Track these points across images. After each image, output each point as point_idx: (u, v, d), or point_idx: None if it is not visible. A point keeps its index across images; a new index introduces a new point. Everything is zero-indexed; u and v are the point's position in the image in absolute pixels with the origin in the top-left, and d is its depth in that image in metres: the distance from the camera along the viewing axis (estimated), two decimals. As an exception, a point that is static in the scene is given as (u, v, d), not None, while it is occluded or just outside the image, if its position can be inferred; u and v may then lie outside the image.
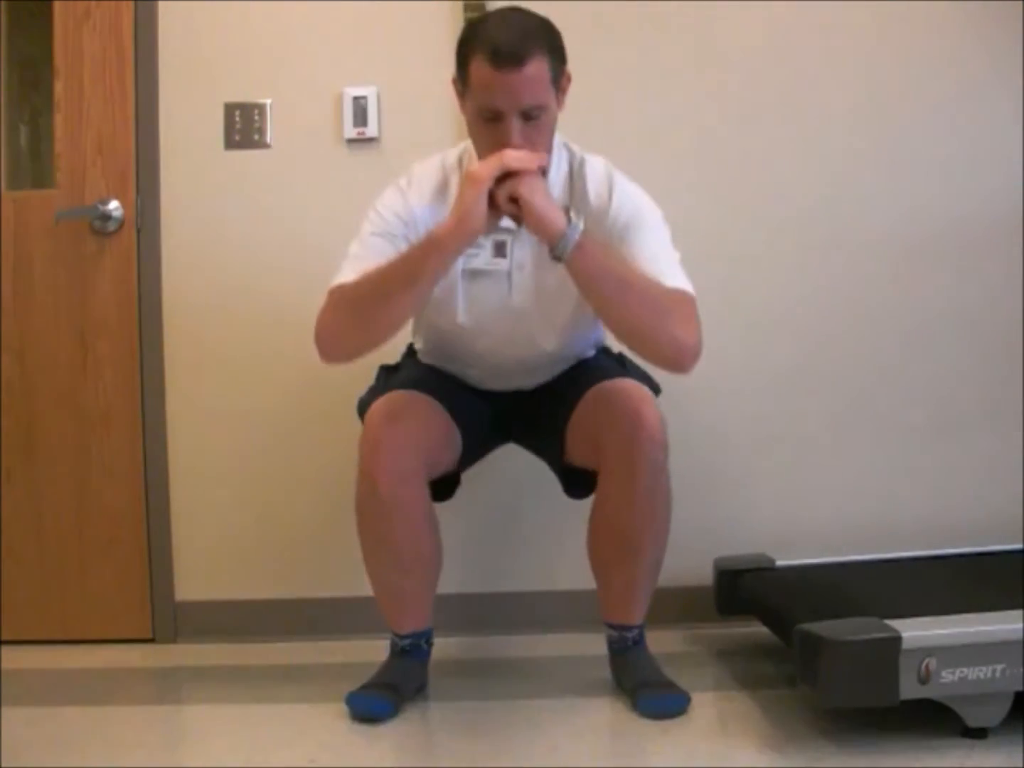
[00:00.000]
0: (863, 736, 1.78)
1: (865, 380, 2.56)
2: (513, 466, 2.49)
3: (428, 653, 2.10)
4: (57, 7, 2.51)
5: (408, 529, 1.95)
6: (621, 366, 2.10)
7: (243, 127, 2.53)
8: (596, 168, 1.99)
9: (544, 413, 2.09)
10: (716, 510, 2.54)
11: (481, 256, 1.97)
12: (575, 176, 1.98)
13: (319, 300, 2.51)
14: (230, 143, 2.54)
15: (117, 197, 2.51)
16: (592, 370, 2.09)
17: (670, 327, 1.82)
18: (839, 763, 1.71)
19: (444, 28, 2.48)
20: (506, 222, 1.88)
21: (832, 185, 2.55)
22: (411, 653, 2.06)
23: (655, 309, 1.82)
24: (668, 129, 2.52)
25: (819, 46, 2.53)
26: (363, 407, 2.06)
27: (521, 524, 2.56)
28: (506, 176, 1.77)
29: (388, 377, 2.15)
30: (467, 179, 1.81)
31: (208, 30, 2.53)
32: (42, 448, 2.53)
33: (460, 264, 1.94)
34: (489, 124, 1.83)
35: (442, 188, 1.97)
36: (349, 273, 1.90)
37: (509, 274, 1.99)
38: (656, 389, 2.05)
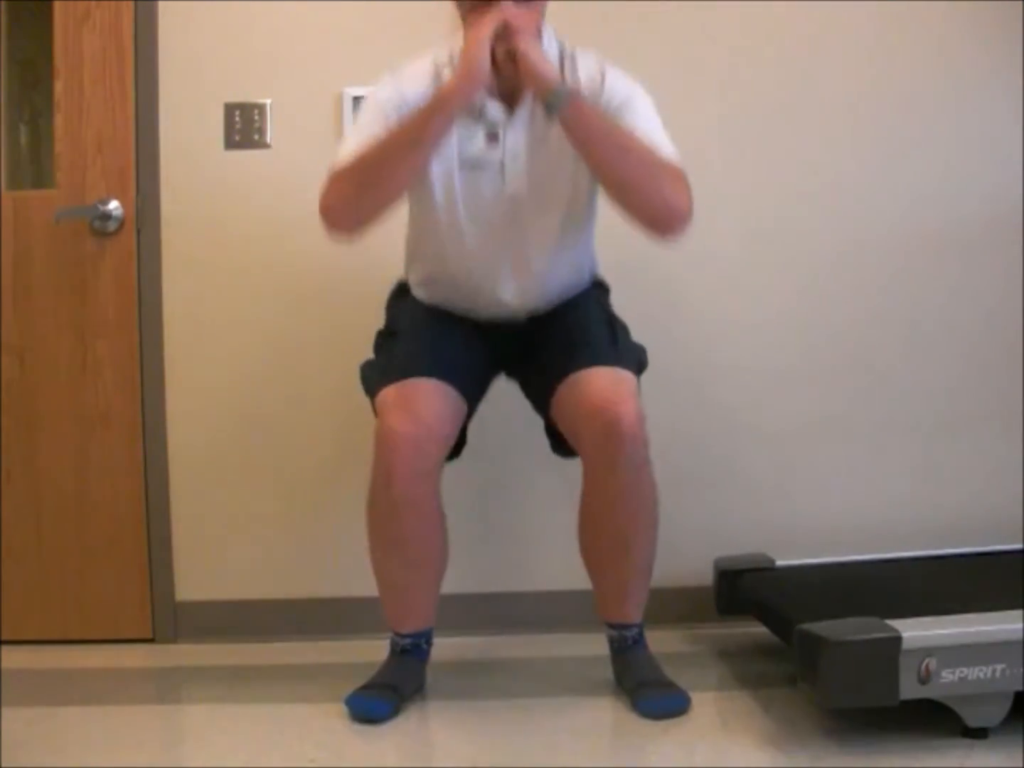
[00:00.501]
0: (863, 736, 1.78)
1: (866, 380, 2.56)
2: (512, 466, 2.52)
3: (427, 653, 2.10)
4: (57, 7, 2.50)
5: (419, 526, 1.97)
6: (611, 337, 2.06)
7: (243, 127, 2.53)
8: (587, 57, 2.02)
9: (536, 357, 2.08)
10: (716, 510, 2.54)
11: (475, 142, 1.98)
12: (565, 60, 2.00)
13: (321, 300, 2.53)
14: (230, 143, 2.53)
15: (117, 197, 2.50)
16: (581, 336, 2.05)
17: (663, 188, 1.87)
18: (839, 763, 1.71)
19: (444, 28, 2.47)
20: (498, 111, 1.93)
21: (831, 184, 2.55)
22: (411, 653, 2.07)
23: (649, 168, 1.88)
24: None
25: (818, 46, 2.53)
26: (368, 383, 2.05)
27: (521, 523, 2.56)
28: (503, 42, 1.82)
29: (389, 347, 2.11)
30: (469, 32, 1.87)
31: (208, 30, 2.52)
32: (42, 448, 2.53)
33: (456, 152, 1.96)
34: (480, 2, 1.87)
35: (434, 78, 1.98)
36: (348, 155, 1.91)
37: (502, 164, 1.99)
38: (642, 365, 2.05)
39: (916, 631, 1.70)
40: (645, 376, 2.07)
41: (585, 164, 1.93)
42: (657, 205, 1.88)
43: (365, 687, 2.01)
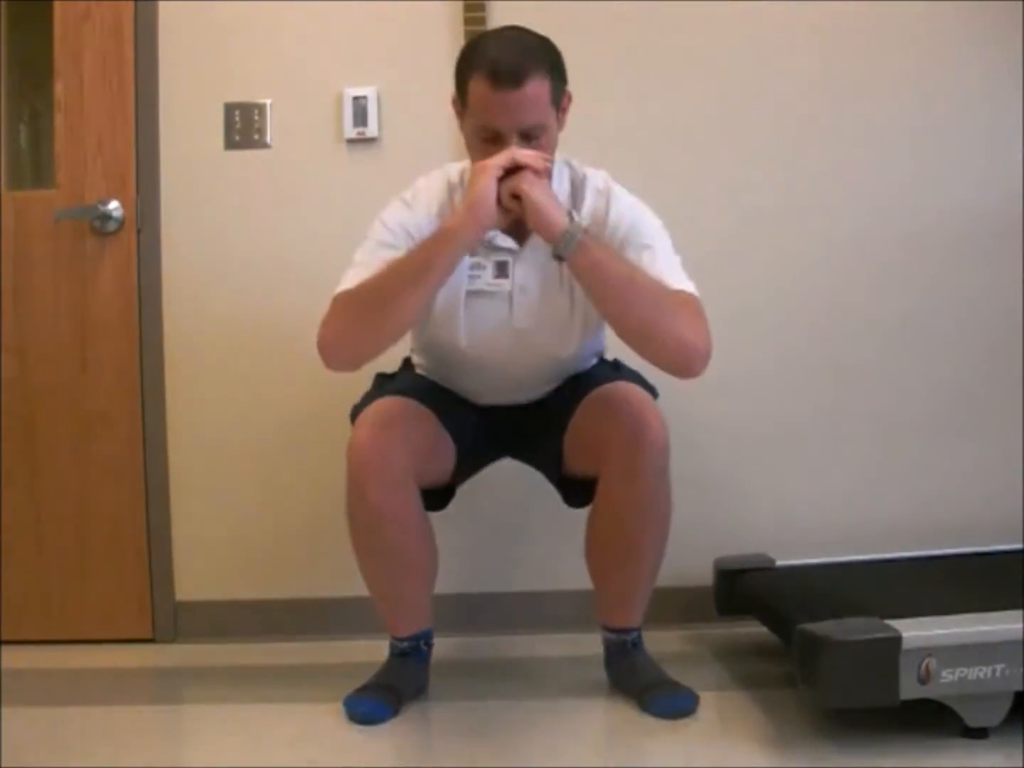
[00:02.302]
0: (863, 736, 1.78)
1: (866, 379, 2.56)
2: (511, 465, 2.50)
3: (428, 654, 2.09)
4: (57, 7, 2.51)
5: (399, 537, 1.93)
6: (616, 371, 2.09)
7: (243, 127, 2.53)
8: (596, 178, 1.99)
9: (540, 426, 2.07)
10: (716, 510, 2.54)
11: (483, 277, 1.95)
12: (577, 192, 1.98)
13: (320, 300, 2.50)
14: (230, 143, 2.53)
15: (117, 197, 2.50)
16: (588, 377, 2.07)
17: (678, 327, 1.80)
18: (839, 763, 1.70)
19: (444, 28, 2.48)
20: (508, 242, 1.89)
21: (831, 183, 2.54)
22: (410, 655, 2.06)
23: (662, 308, 1.81)
24: (667, 127, 2.53)
25: (817, 45, 2.53)
26: (355, 414, 2.04)
27: (521, 523, 2.56)
28: (511, 174, 1.77)
29: (383, 384, 2.13)
30: (476, 169, 1.81)
31: (208, 30, 2.52)
32: (42, 448, 2.52)
33: (463, 285, 1.93)
34: (488, 144, 1.82)
35: (447, 203, 1.96)
36: (353, 280, 1.87)
37: (511, 295, 1.96)
38: (653, 392, 2.03)
39: (916, 631, 1.70)
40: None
41: (595, 306, 1.88)
42: (674, 348, 1.80)
43: (364, 688, 2.01)
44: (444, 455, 2.03)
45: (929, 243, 2.55)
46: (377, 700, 1.97)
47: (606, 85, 2.49)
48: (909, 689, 1.69)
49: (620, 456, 1.89)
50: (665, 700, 1.95)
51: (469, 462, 2.11)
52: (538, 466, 2.14)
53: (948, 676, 1.69)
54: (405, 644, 2.05)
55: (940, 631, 1.71)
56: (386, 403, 1.97)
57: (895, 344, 2.56)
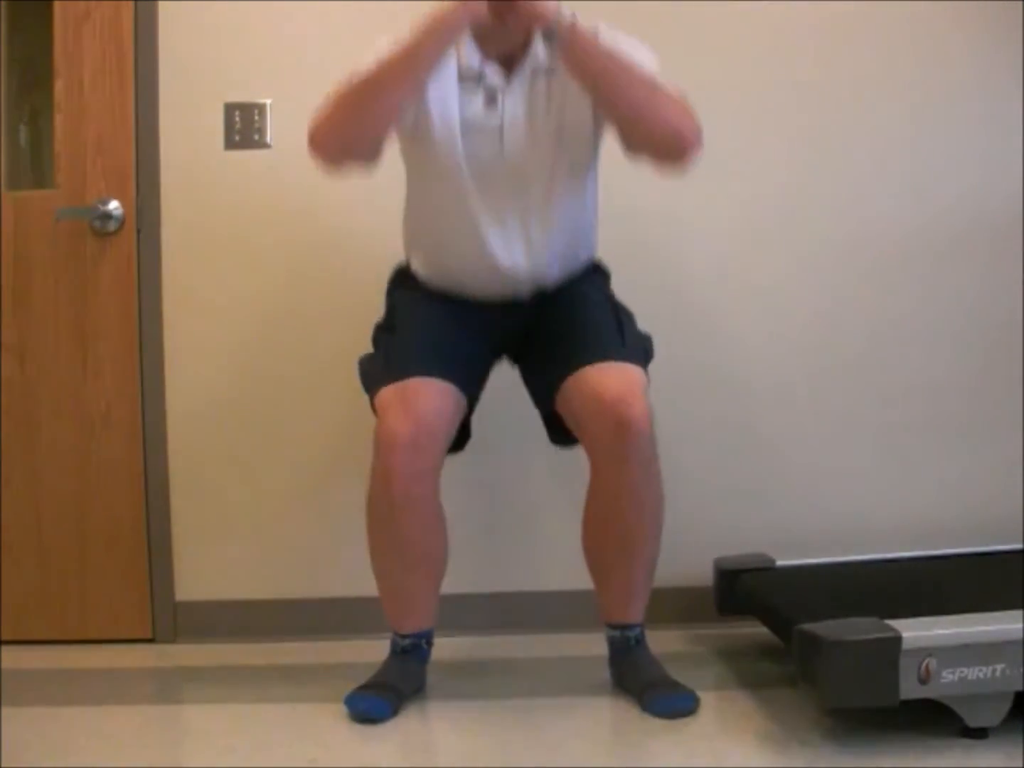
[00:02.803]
0: (863, 736, 1.78)
1: (866, 381, 2.56)
2: (512, 465, 2.53)
3: (428, 654, 2.09)
4: (57, 7, 2.50)
5: (418, 526, 1.96)
6: (618, 327, 2.05)
7: (243, 127, 2.52)
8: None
9: (537, 357, 2.07)
10: (716, 510, 2.53)
11: (475, 104, 1.98)
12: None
13: (322, 299, 2.52)
14: (230, 143, 2.53)
15: (117, 197, 2.49)
16: (587, 329, 2.04)
17: (670, 113, 1.89)
18: (839, 763, 1.70)
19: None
20: (496, 77, 1.95)
21: (839, 186, 2.54)
22: (411, 653, 2.06)
23: (654, 95, 1.89)
24: None
25: (817, 45, 2.53)
26: (366, 380, 2.05)
27: (521, 523, 2.56)
28: None
29: (387, 343, 2.08)
30: None
31: (208, 30, 2.52)
32: (42, 448, 2.52)
33: (456, 114, 1.96)
34: None
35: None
36: (344, 81, 1.91)
37: (501, 129, 1.98)
38: (649, 355, 2.05)
39: (916, 631, 1.70)
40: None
41: (589, 97, 1.93)
42: (665, 132, 1.89)
43: (364, 687, 2.01)
44: (461, 413, 2.03)
45: (935, 246, 2.55)
46: (378, 698, 1.97)
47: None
48: (909, 689, 1.69)
49: (605, 449, 1.92)
50: (665, 700, 1.95)
51: (477, 388, 2.10)
52: (532, 392, 2.13)
53: (948, 676, 1.69)
54: (407, 642, 2.05)
55: (940, 631, 1.71)
56: (409, 388, 1.95)
57: (895, 345, 2.56)
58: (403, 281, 2.19)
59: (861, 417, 2.56)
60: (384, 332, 2.13)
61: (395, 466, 1.90)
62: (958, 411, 2.55)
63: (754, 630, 2.27)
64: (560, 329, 2.07)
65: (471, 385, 2.06)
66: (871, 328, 2.56)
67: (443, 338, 2.06)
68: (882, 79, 2.54)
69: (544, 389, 2.05)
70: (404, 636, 2.06)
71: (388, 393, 1.96)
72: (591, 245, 2.18)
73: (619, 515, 1.96)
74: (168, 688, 2.32)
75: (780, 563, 2.31)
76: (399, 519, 1.94)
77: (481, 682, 2.18)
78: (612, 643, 2.09)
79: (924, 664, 1.69)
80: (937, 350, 2.56)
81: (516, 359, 2.17)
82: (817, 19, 2.52)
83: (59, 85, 2.51)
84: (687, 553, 2.41)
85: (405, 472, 1.90)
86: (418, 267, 2.16)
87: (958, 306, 2.55)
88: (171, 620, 2.54)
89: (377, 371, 2.03)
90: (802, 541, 2.45)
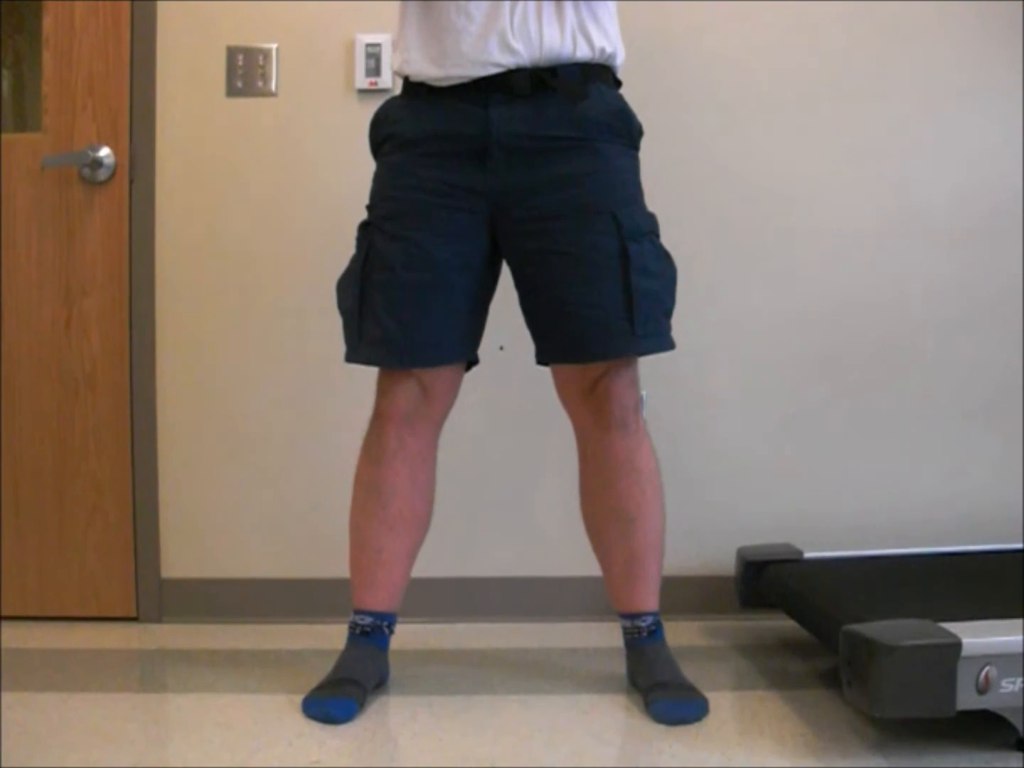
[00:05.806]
0: (912, 747, 1.68)
1: (893, 369, 2.46)
2: (515, 447, 2.45)
3: (387, 641, 1.98)
4: (47, -62, 2.38)
5: (407, 477, 1.93)
6: (627, 305, 1.81)
7: (246, 73, 2.43)
8: None
9: (531, 300, 1.90)
10: (740, 497, 2.45)
11: None
12: None
13: (326, 257, 2.42)
14: (232, 90, 2.43)
15: (109, 143, 2.40)
16: (589, 304, 1.82)
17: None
18: (884, 773, 1.61)
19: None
20: None
21: (846, 177, 2.44)
22: (371, 636, 1.95)
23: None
24: (669, 123, 2.40)
25: (817, 46, 2.43)
26: (344, 301, 1.93)
27: (520, 510, 2.47)
28: None
29: (369, 279, 1.88)
30: None
31: (211, -34, 2.41)
32: (21, 411, 2.44)
33: None
34: None
35: None
36: None
37: None
38: (665, 309, 1.88)
39: (975, 637, 1.59)
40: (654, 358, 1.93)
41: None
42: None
43: (321, 687, 1.89)
44: (461, 374, 1.99)
45: (942, 239, 2.45)
46: (337, 696, 1.85)
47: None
48: (967, 699, 1.58)
49: (587, 430, 1.93)
50: (668, 704, 1.84)
51: (479, 319, 1.97)
52: (525, 311, 1.94)
53: (1009, 686, 1.59)
54: (368, 621, 1.94)
55: (1001, 638, 1.60)
56: (411, 382, 1.90)
57: (919, 333, 2.46)
58: (380, 145, 1.94)
59: (892, 405, 2.46)
60: (366, 234, 1.92)
61: (393, 412, 1.90)
62: (995, 398, 2.45)
63: (776, 623, 2.20)
64: (560, 274, 1.83)
65: (472, 330, 1.95)
66: (896, 318, 2.46)
67: (435, 309, 1.87)
68: (882, 77, 2.43)
69: (536, 342, 1.93)
70: (365, 613, 1.94)
71: (388, 387, 1.93)
72: (611, 36, 1.90)
73: (610, 484, 1.92)
74: (154, 673, 2.20)
75: (808, 555, 2.22)
76: (387, 468, 1.91)
77: (481, 681, 2.05)
78: (624, 633, 1.99)
79: (984, 672, 1.58)
80: (960, 335, 2.46)
81: (511, 261, 1.93)
82: (829, 16, 2.43)
83: (48, 20, 2.41)
84: (708, 541, 2.38)
85: (401, 420, 1.91)
86: (406, 62, 1.88)
87: (957, 306, 2.45)
88: (156, 598, 2.47)
89: (359, 336, 1.90)
90: (831, 532, 2.37)
